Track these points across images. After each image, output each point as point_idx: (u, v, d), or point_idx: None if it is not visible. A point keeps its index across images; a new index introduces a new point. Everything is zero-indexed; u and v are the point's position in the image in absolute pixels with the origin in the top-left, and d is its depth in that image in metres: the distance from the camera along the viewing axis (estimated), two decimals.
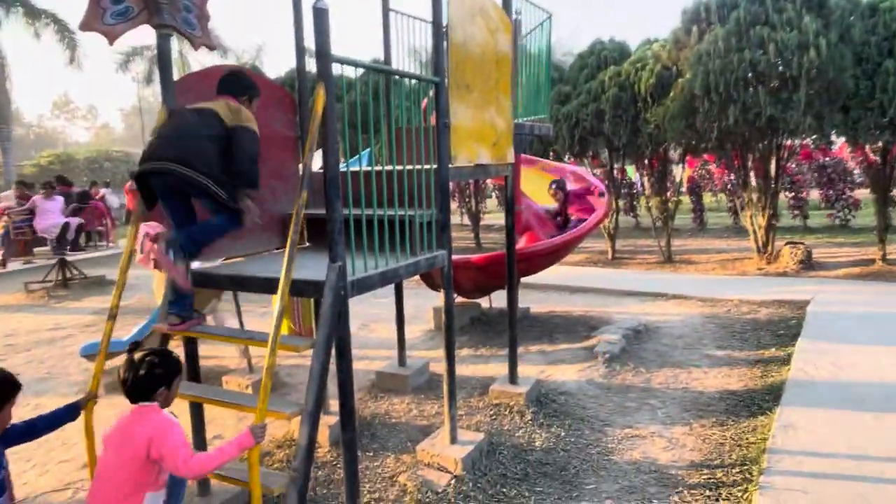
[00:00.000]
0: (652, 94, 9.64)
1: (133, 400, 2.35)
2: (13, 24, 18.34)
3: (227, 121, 2.93)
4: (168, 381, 2.39)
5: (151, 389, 2.34)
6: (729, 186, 14.04)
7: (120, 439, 2.30)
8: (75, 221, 10.29)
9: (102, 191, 13.90)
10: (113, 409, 4.83)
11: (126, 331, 5.79)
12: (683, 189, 13.71)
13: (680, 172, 11.73)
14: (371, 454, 3.97)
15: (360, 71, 3.26)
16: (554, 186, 7.55)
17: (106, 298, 3.14)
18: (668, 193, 11.10)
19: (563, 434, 4.15)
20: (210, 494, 3.37)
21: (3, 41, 19.42)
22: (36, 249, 10.29)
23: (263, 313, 7.32)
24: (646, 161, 11.20)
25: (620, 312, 7.29)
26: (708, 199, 17.34)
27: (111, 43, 3.02)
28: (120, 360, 5.86)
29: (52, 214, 10.00)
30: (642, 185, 13.42)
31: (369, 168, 3.43)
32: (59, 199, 10.34)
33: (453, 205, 17.32)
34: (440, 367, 3.88)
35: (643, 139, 10.14)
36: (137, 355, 2.40)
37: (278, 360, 5.36)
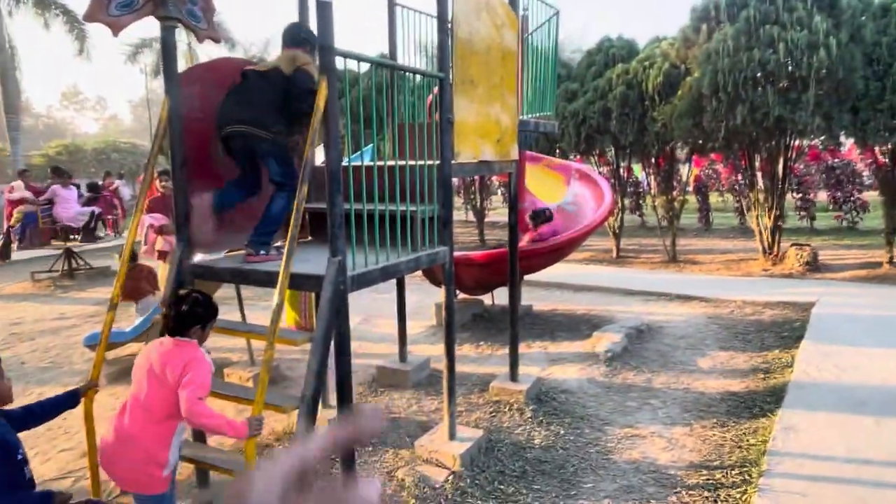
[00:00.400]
0: (659, 93, 9.59)
1: (171, 333, 2.53)
2: (23, 14, 18.39)
3: (287, 71, 3.21)
4: (204, 322, 2.57)
5: (188, 326, 2.52)
6: (736, 186, 13.95)
7: (159, 367, 2.43)
8: (97, 210, 10.40)
9: (116, 182, 13.96)
10: (115, 399, 4.86)
11: (129, 321, 5.82)
12: (689, 188, 13.64)
13: (686, 172, 11.67)
14: (370, 449, 3.98)
15: (365, 66, 3.26)
16: (529, 216, 6.87)
17: (110, 289, 3.18)
18: (674, 193, 11.04)
19: (562, 432, 4.15)
20: (209, 486, 3.39)
21: (12, 31, 19.42)
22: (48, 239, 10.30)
23: (266, 307, 7.33)
24: (652, 160, 11.15)
25: (623, 312, 7.27)
26: (714, 198, 17.25)
27: (115, 34, 3.02)
28: (120, 351, 5.89)
29: (71, 203, 10.08)
30: (648, 183, 13.36)
31: (371, 163, 3.43)
32: (75, 189, 10.43)
33: (458, 201, 17.29)
34: (441, 364, 3.88)
35: (650, 138, 10.09)
36: (183, 292, 2.62)
37: (280, 354, 5.38)
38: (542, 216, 6.85)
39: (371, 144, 6.05)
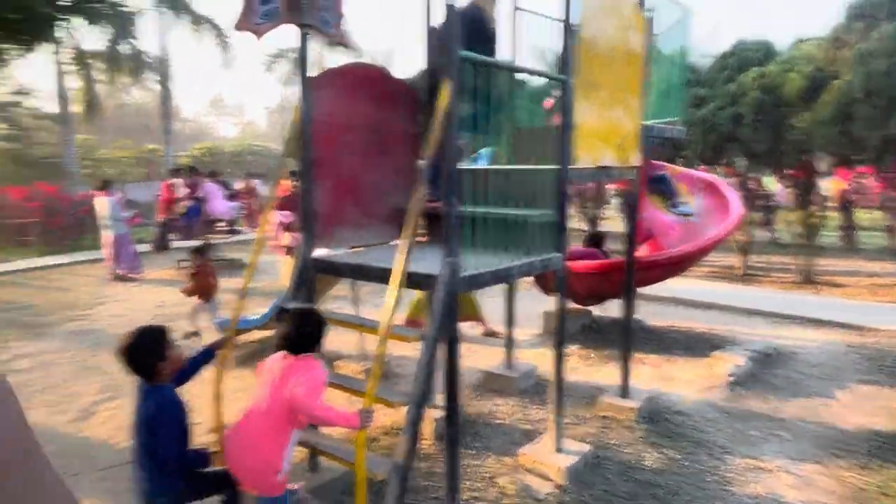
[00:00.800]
0: (801, 98, 8.81)
1: (295, 352, 2.68)
2: (180, 29, 20.57)
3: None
4: (321, 337, 2.76)
5: (314, 343, 2.71)
6: (888, 203, 12.47)
7: (280, 379, 2.61)
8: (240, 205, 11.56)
9: (255, 182, 15.19)
10: (240, 381, 5.24)
11: (258, 310, 6.23)
12: (832, 203, 12.38)
13: (828, 184, 10.62)
14: (473, 452, 3.97)
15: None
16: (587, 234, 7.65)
17: (240, 279, 3.48)
18: (813, 207, 10.08)
19: (676, 456, 3.91)
20: (319, 471, 3.54)
21: (168, 46, 21.82)
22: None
23: (380, 304, 7.57)
24: (789, 171, 10.27)
25: (748, 333, 6.74)
26: (862, 215, 15.54)
27: (258, 39, 3.26)
28: (247, 337, 6.28)
29: (220, 198, 11.18)
30: (783, 196, 12.31)
31: (488, 166, 3.43)
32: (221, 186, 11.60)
33: (571, 210, 16.93)
34: (547, 372, 3.79)
35: (786, 146, 9.30)
36: (299, 311, 2.76)
37: (390, 351, 5.52)
38: (596, 237, 7.28)
39: (489, 148, 6.08)
